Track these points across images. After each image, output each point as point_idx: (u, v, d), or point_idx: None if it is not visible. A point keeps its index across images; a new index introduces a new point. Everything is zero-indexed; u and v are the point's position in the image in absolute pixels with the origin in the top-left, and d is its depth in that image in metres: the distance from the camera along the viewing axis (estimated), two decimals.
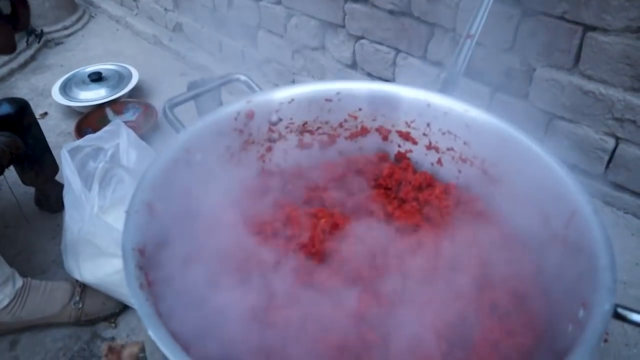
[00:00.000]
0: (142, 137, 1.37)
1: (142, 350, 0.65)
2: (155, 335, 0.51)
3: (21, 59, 2.36)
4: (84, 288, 1.19)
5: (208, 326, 0.62)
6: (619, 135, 1.25)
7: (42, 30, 2.52)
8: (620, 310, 0.59)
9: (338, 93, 0.90)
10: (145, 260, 0.61)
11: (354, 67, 1.74)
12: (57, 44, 2.59)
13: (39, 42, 2.48)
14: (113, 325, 1.21)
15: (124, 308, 1.23)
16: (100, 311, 1.19)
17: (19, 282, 1.14)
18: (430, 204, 0.84)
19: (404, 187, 0.87)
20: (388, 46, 1.59)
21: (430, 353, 0.65)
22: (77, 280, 1.19)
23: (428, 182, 0.87)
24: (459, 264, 0.76)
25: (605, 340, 1.08)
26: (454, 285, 0.73)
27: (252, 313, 0.66)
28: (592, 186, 1.35)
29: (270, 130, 0.90)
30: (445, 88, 0.95)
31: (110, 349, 0.63)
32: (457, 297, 0.71)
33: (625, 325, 1.10)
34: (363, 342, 0.66)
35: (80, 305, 1.17)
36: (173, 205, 0.71)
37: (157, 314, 0.54)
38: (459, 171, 0.90)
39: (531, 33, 1.26)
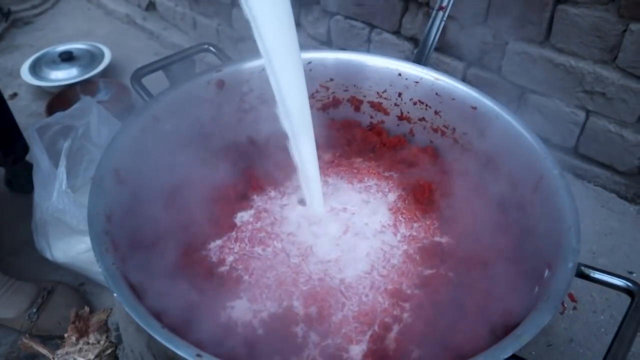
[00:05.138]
0: (116, 117, 1.34)
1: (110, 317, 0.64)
2: (122, 298, 0.51)
3: None
4: (46, 299, 1.14)
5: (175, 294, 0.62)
6: (589, 108, 1.27)
7: (9, 9, 2.43)
8: (583, 268, 0.61)
9: (309, 63, 0.89)
10: (113, 227, 0.60)
11: (328, 43, 1.73)
12: (26, 23, 2.51)
13: (6, 21, 2.40)
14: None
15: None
16: (54, 330, 1.12)
17: None
18: (407, 161, 0.85)
19: (379, 149, 0.88)
20: (363, 22, 1.58)
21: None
22: (44, 288, 1.15)
23: (403, 144, 0.88)
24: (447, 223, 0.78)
25: (575, 308, 1.11)
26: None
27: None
28: (564, 159, 1.37)
29: (242, 100, 0.89)
30: (417, 61, 0.95)
31: (78, 316, 0.63)
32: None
33: (594, 292, 1.13)
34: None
35: (35, 318, 1.11)
36: (141, 174, 0.70)
37: (123, 277, 0.53)
38: (431, 141, 0.90)
39: (503, 6, 1.27)
